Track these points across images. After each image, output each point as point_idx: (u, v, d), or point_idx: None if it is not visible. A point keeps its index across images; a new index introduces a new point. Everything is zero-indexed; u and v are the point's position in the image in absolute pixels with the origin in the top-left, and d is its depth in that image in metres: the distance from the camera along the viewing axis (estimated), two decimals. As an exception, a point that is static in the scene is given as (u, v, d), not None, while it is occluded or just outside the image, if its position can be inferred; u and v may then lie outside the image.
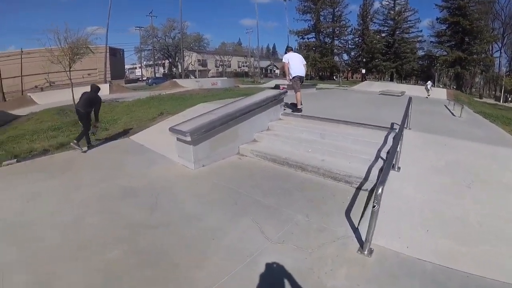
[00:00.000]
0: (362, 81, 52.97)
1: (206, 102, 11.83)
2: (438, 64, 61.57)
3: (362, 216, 4.25)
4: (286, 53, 9.58)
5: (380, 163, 5.62)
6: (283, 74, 9.85)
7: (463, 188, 4.66)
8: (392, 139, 6.22)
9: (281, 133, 7.55)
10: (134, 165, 6.61)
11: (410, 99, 7.64)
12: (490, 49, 62.16)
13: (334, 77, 71.47)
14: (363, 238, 3.63)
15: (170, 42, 73.08)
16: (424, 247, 3.59)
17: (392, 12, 66.56)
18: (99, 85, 8.97)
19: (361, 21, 72.10)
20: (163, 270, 3.23)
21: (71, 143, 7.81)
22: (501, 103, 45.69)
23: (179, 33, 65.93)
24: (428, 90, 25.39)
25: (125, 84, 50.39)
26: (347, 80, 68.24)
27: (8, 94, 39.58)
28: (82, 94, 8.02)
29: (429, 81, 29.56)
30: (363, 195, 4.95)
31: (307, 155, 6.27)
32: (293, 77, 8.94)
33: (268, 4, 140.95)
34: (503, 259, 3.39)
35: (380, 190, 3.30)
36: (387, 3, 67.22)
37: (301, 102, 9.00)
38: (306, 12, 72.10)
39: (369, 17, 71.23)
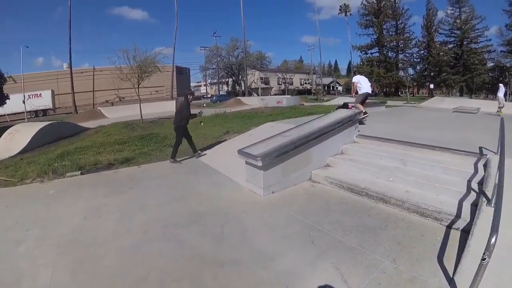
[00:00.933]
0: (429, 96, 50.13)
1: (274, 122, 11.49)
2: (510, 76, 55.66)
3: (457, 264, 3.49)
4: (354, 75, 11.88)
5: (472, 196, 4.80)
6: (351, 91, 11.18)
7: None
8: (482, 167, 5.42)
9: (358, 158, 6.89)
10: (200, 188, 6.35)
11: (502, 120, 6.64)
12: None
13: (400, 93, 68.70)
14: (459, 293, 2.92)
15: (233, 61, 76.17)
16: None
17: (458, 21, 62.21)
18: (190, 91, 9.21)
19: (425, 33, 68.10)
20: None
21: (170, 161, 8.26)
22: None
23: (242, 52, 68.73)
24: (501, 101, 19.04)
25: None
26: (413, 96, 64.81)
27: (81, 107, 42.79)
28: None
29: (500, 85, 20.02)
30: (455, 235, 4.19)
31: (389, 185, 5.56)
32: (362, 93, 10.43)
33: (328, 21, 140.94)
34: None
35: (493, 240, 2.65)
36: (452, 11, 63.30)
37: (363, 112, 10.07)
38: (368, 26, 70.49)
39: (434, 27, 67.11)
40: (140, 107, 18.72)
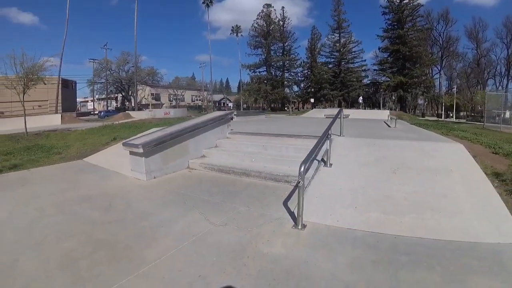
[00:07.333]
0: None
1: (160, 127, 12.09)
2: (381, 90, 65.88)
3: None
4: None
5: (315, 164, 6.34)
6: None
7: (390, 174, 5.49)
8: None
9: (228, 148, 8.27)
10: (89, 180, 6.88)
11: (340, 110, 8.59)
12: (430, 71, 68.83)
13: (285, 108, 74.08)
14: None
15: (123, 75, 72.05)
16: (354, 220, 4.27)
17: (338, 45, 71.07)
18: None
19: (309, 54, 76.76)
20: (117, 251, 3.62)
21: None
22: (442, 119, 51.03)
23: (133, 66, 65.49)
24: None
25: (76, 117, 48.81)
26: (298, 110, 70.67)
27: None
28: None
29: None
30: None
31: (251, 164, 6.94)
32: None
33: (222, 41, 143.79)
34: (426, 222, 4.14)
35: (302, 168, 4.03)
36: (333, 36, 72.23)
37: None
38: (257, 47, 75.87)
39: (317, 50, 76.02)
40: (25, 119, 17.74)
